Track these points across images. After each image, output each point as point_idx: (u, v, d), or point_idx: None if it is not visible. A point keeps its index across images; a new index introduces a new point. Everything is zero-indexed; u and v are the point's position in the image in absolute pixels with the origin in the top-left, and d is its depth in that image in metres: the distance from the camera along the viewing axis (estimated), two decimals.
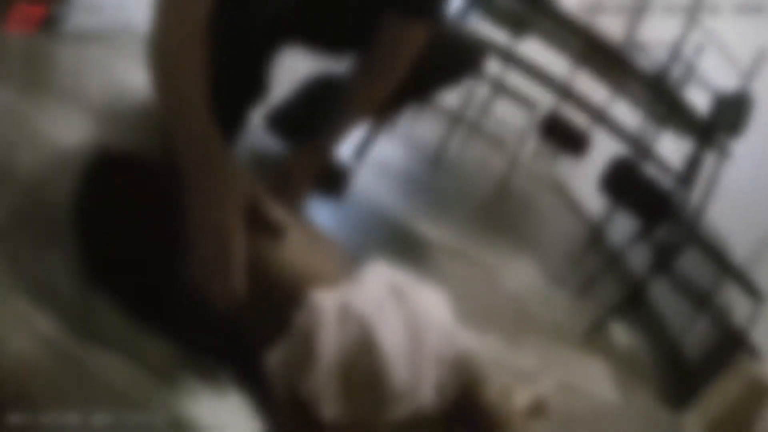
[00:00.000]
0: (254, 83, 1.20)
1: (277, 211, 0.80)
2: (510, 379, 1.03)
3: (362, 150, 1.77)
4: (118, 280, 0.80)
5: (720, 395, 1.28)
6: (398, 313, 0.76)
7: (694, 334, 1.82)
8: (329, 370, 0.71)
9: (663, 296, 1.84)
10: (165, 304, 0.77)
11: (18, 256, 0.76)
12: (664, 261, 1.55)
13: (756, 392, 1.25)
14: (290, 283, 0.77)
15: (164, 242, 0.80)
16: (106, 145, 0.85)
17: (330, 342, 0.72)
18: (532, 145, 2.95)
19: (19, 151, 0.97)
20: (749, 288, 1.60)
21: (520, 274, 1.59)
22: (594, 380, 1.21)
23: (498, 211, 2.14)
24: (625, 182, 1.91)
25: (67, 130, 1.07)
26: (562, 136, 2.73)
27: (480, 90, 2.42)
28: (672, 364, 1.59)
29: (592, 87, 2.70)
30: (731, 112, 1.91)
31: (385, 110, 1.29)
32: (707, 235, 1.58)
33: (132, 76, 1.43)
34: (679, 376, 1.52)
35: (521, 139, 2.45)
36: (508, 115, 2.69)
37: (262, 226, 0.79)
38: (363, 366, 0.73)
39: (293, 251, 0.80)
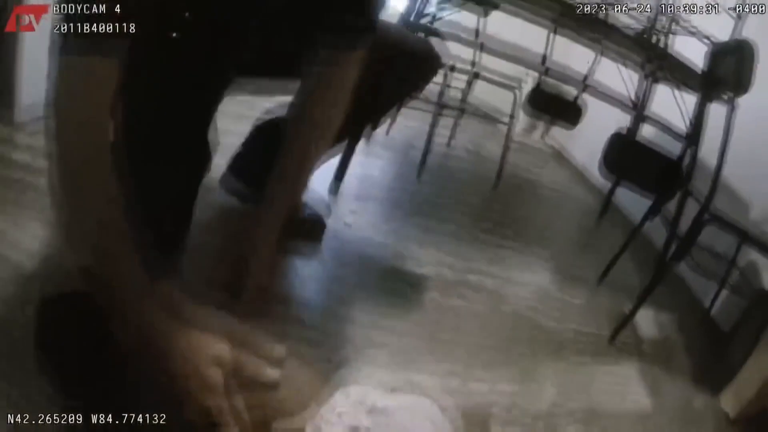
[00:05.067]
0: (200, 155, 1.04)
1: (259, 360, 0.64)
2: (527, 421, 0.97)
3: (341, 173, 1.67)
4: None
5: (756, 369, 1.22)
6: None
7: (722, 305, 1.74)
8: None
9: (686, 270, 1.72)
10: None
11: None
12: (684, 244, 1.44)
13: None
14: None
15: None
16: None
17: None
18: (521, 124, 2.81)
19: None
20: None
21: (531, 278, 1.51)
22: (623, 391, 1.15)
23: (499, 204, 2.03)
24: (629, 158, 1.79)
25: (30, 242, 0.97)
26: (553, 108, 2.61)
27: (456, 81, 2.27)
28: (705, 339, 1.53)
29: (573, 52, 2.55)
30: (730, 63, 1.75)
31: (348, 133, 1.18)
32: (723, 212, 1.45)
33: None
34: (713, 350, 1.46)
35: (510, 119, 2.32)
36: (490, 98, 2.55)
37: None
38: None
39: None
